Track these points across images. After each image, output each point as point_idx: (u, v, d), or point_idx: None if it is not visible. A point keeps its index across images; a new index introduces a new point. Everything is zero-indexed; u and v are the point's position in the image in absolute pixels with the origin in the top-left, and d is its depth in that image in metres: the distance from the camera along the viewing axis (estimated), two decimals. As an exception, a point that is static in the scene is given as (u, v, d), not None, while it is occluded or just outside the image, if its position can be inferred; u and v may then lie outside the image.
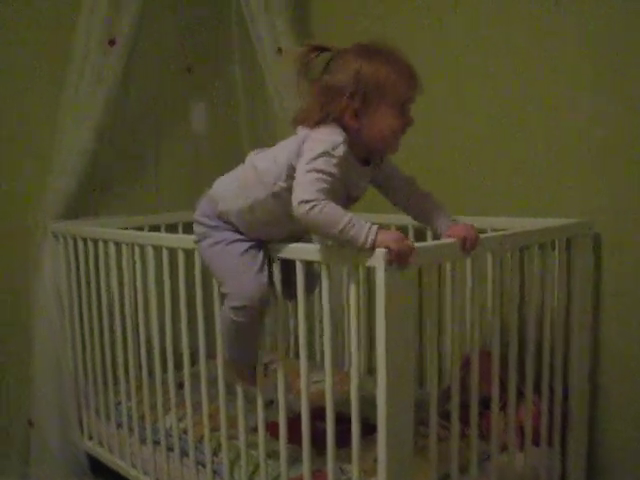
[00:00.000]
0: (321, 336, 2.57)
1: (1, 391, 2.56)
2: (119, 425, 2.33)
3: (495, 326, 1.73)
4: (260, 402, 1.75)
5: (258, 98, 2.79)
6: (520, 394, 1.86)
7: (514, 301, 1.77)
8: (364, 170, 1.60)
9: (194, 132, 2.99)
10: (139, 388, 2.22)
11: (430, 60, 2.29)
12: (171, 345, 2.04)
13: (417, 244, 1.45)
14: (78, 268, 2.43)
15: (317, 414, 1.66)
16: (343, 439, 1.58)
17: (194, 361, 2.00)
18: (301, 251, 1.59)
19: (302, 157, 1.48)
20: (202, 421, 1.95)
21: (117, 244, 2.17)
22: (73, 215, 2.52)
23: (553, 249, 1.88)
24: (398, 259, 1.39)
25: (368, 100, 1.50)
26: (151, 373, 2.19)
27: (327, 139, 1.48)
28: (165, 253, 1.97)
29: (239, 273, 1.61)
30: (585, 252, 1.96)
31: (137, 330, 2.20)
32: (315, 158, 1.46)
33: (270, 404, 1.91)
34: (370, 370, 2.43)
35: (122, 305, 2.24)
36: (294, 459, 1.74)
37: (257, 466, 1.82)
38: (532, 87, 2.12)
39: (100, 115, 2.45)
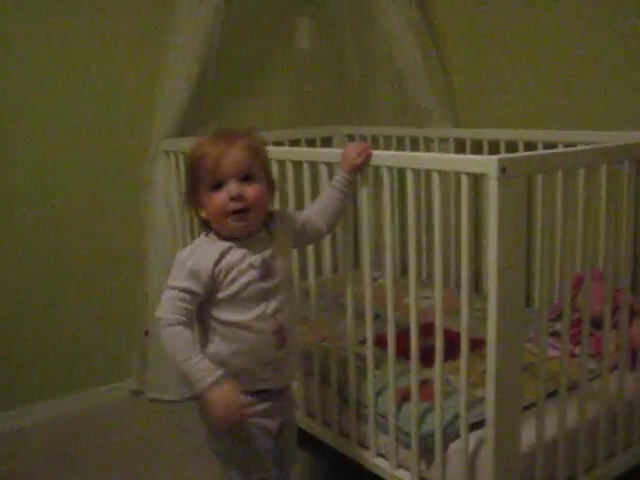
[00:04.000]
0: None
1: (122, 303, 2.76)
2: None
3: (608, 243, 1.68)
4: (369, 315, 1.79)
5: (363, 14, 2.74)
6: (633, 314, 1.83)
7: (629, 216, 1.71)
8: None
9: (298, 48, 2.98)
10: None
11: None
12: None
13: (526, 153, 1.42)
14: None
15: (424, 330, 1.69)
16: (449, 353, 1.62)
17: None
18: (413, 160, 1.61)
19: None
20: (309, 332, 2.03)
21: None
22: (183, 134, 2.60)
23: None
24: (223, 423, 1.48)
25: None
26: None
27: None
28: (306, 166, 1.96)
29: None
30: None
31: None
32: None
33: (377, 318, 1.95)
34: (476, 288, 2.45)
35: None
36: (400, 371, 1.79)
37: (364, 376, 1.89)
38: None
39: (204, 35, 2.49)
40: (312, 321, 2.01)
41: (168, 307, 1.50)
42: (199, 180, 1.54)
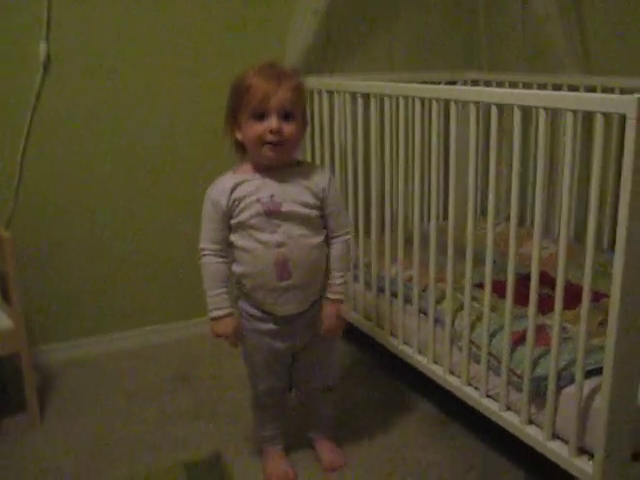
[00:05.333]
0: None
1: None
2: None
3: None
4: (489, 260, 1.81)
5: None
6: None
7: None
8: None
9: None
10: (366, 242, 2.39)
11: None
12: (403, 201, 2.16)
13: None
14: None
15: (541, 278, 1.70)
16: (565, 303, 1.62)
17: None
18: (546, 98, 1.57)
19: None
20: (427, 272, 2.07)
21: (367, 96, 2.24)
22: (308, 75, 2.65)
23: None
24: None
25: None
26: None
27: None
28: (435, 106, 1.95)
29: None
30: None
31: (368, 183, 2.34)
32: None
33: (493, 264, 1.97)
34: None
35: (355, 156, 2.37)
36: (515, 316, 1.81)
37: (478, 317, 1.92)
38: None
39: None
40: (429, 263, 2.05)
41: (204, 239, 1.77)
42: (243, 107, 1.69)
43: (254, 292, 1.77)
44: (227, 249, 1.77)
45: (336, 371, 2.04)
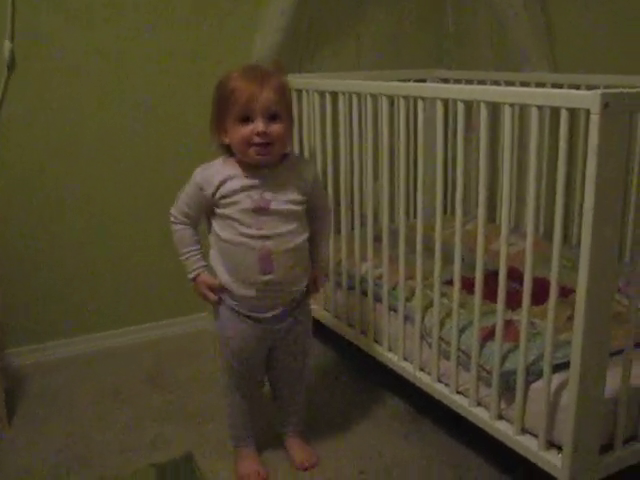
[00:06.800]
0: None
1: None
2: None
3: None
4: (457, 258, 1.82)
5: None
6: None
7: None
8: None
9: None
10: (336, 239, 2.39)
11: None
12: (372, 199, 2.16)
13: (631, 89, 1.38)
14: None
15: (508, 274, 1.71)
16: (533, 299, 1.63)
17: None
18: (511, 94, 1.58)
19: None
20: (397, 270, 2.07)
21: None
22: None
23: None
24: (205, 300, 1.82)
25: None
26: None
27: None
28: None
29: None
30: None
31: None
32: None
33: (462, 261, 1.98)
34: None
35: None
36: (484, 312, 1.82)
37: (448, 314, 1.93)
38: None
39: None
40: (398, 260, 2.06)
41: (176, 207, 1.81)
42: (227, 111, 1.70)
43: (234, 285, 1.77)
44: (196, 224, 1.82)
45: (309, 357, 2.01)
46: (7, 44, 2.35)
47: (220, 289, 1.80)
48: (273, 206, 1.73)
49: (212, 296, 1.81)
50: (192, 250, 1.81)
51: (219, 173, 1.74)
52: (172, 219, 1.82)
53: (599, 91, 1.33)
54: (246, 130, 1.68)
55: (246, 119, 1.68)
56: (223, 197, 1.73)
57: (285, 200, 1.75)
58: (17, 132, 2.46)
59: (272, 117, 1.69)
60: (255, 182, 1.73)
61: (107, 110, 2.57)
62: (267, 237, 1.72)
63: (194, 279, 1.82)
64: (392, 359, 2.15)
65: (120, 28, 2.52)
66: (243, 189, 1.72)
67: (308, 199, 1.81)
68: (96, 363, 2.64)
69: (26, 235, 2.55)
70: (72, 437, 2.14)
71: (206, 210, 1.79)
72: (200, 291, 1.82)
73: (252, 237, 1.72)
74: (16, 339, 2.60)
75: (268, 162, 1.73)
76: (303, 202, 1.79)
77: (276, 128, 1.69)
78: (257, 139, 1.67)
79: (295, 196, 1.77)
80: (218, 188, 1.72)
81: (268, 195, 1.73)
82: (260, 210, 1.72)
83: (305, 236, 1.81)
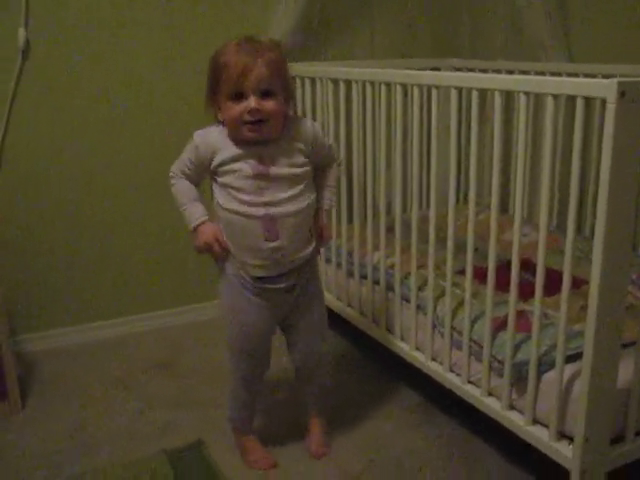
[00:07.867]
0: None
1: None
2: (327, 260, 2.54)
3: None
4: (470, 247, 1.82)
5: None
6: None
7: None
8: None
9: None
10: (349, 229, 2.39)
11: None
12: (384, 190, 2.15)
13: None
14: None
15: (523, 265, 1.70)
16: (545, 290, 1.62)
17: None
18: (526, 83, 1.57)
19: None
20: (409, 259, 2.07)
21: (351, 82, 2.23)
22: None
23: None
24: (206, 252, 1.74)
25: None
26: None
27: None
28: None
29: None
30: None
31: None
32: None
33: (475, 251, 1.97)
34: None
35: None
36: (497, 302, 1.82)
37: (460, 304, 1.93)
38: None
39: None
40: (411, 250, 2.05)
41: (176, 166, 1.75)
42: (220, 86, 1.64)
43: (239, 254, 1.73)
44: (196, 184, 1.77)
45: (327, 338, 1.97)
46: (22, 32, 2.36)
47: (225, 255, 1.74)
48: (273, 171, 1.67)
49: (217, 247, 1.72)
50: (193, 200, 1.74)
51: (217, 143, 1.69)
52: (171, 174, 1.76)
53: (615, 80, 1.31)
54: (239, 108, 1.61)
55: (239, 96, 1.61)
56: (221, 165, 1.68)
57: (286, 165, 1.69)
58: (27, 121, 2.47)
59: (265, 93, 1.61)
60: (253, 149, 1.67)
61: (114, 98, 2.58)
62: (269, 204, 1.67)
63: (196, 228, 1.73)
64: (404, 349, 2.15)
65: (130, 20, 2.53)
66: (241, 157, 1.67)
67: (311, 158, 1.75)
68: (107, 350, 2.65)
69: (40, 224, 2.57)
70: (83, 421, 2.16)
71: (205, 175, 1.74)
72: (204, 241, 1.72)
73: (254, 205, 1.66)
74: (28, 326, 2.62)
75: (263, 139, 1.66)
76: (305, 164, 1.73)
77: (270, 105, 1.62)
78: (248, 117, 1.61)
79: (296, 159, 1.71)
80: (216, 155, 1.68)
81: (267, 161, 1.67)
82: (260, 176, 1.66)
83: (311, 199, 1.75)
